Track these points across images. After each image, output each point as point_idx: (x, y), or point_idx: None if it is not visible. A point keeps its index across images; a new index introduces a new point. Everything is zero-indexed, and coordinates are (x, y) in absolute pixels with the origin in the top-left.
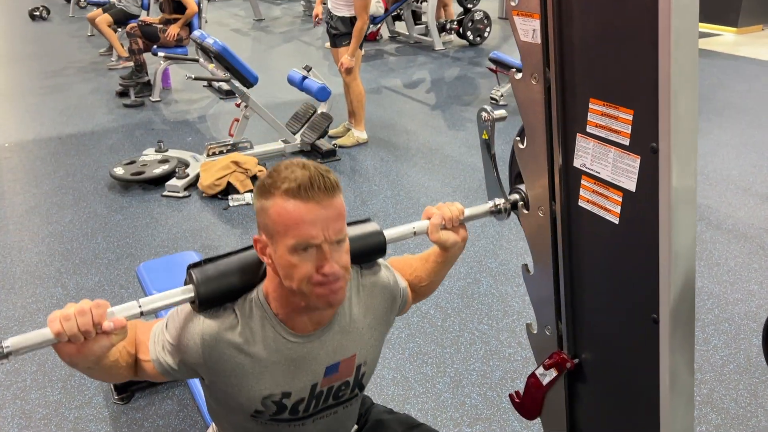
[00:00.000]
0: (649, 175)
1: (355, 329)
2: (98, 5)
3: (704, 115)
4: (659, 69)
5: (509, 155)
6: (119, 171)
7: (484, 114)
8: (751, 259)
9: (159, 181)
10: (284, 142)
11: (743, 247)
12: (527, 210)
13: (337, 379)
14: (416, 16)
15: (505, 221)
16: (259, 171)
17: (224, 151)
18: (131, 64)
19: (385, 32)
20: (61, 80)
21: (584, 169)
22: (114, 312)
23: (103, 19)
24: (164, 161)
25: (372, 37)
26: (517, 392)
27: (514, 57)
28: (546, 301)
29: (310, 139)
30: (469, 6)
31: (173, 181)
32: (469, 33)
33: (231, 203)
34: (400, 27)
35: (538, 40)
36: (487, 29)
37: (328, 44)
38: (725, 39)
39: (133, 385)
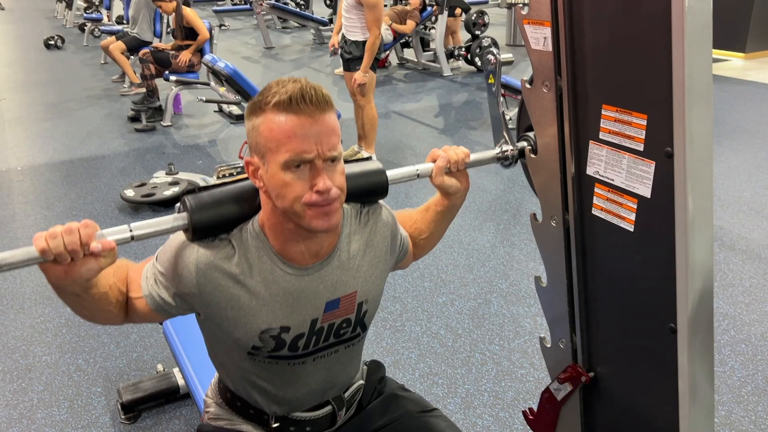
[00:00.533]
0: (664, 180)
1: (354, 265)
2: (112, 33)
3: (716, 139)
4: (673, 72)
5: (518, 108)
6: (130, 193)
7: (490, 57)
8: (766, 280)
9: (169, 203)
10: None
11: (758, 268)
12: (534, 155)
13: (338, 316)
14: (424, 43)
15: (515, 243)
16: None
17: (234, 173)
18: (143, 90)
19: (393, 59)
20: (74, 106)
21: (597, 176)
22: (104, 234)
23: (117, 46)
24: (174, 183)
25: (381, 64)
26: (530, 409)
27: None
28: (560, 314)
29: None
30: (477, 33)
31: None
32: (477, 59)
33: None
34: (409, 54)
35: (550, 48)
36: None
37: (338, 70)
38: (733, 64)
39: (140, 404)
